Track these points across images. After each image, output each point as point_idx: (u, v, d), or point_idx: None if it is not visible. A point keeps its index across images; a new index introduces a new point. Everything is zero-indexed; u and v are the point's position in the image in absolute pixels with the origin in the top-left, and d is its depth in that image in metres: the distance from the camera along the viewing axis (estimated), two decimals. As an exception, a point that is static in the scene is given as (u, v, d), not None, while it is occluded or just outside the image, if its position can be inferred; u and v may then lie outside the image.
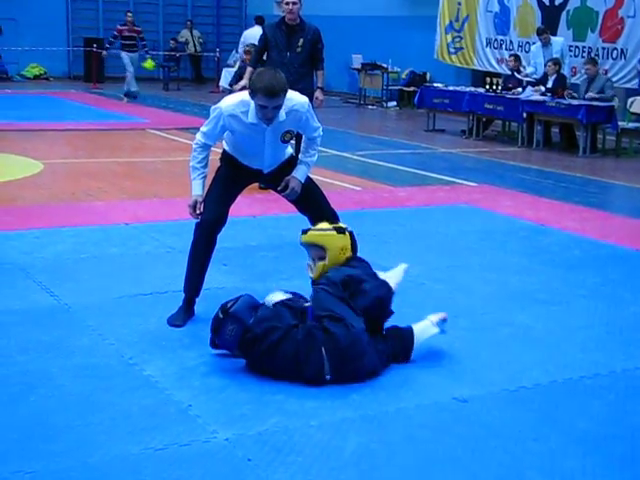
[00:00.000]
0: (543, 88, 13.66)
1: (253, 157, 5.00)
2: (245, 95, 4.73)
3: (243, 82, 9.64)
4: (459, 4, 18.61)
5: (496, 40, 17.85)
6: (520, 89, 14.08)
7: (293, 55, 8.92)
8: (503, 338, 4.86)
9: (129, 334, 4.70)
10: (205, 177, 4.99)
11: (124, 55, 19.21)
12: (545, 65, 14.04)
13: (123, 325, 4.85)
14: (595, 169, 11.80)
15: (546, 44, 14.41)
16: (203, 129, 4.95)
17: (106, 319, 4.94)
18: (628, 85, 14.58)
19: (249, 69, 9.38)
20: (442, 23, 19.10)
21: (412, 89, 19.31)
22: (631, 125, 13.19)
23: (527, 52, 16.17)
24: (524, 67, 15.18)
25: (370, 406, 3.90)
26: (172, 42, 24.30)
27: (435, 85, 16.42)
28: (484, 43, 18.13)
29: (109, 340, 4.62)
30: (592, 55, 14.94)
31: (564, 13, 16.00)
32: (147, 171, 10.41)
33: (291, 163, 5.12)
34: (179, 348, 4.54)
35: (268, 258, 6.38)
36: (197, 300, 5.05)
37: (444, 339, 4.55)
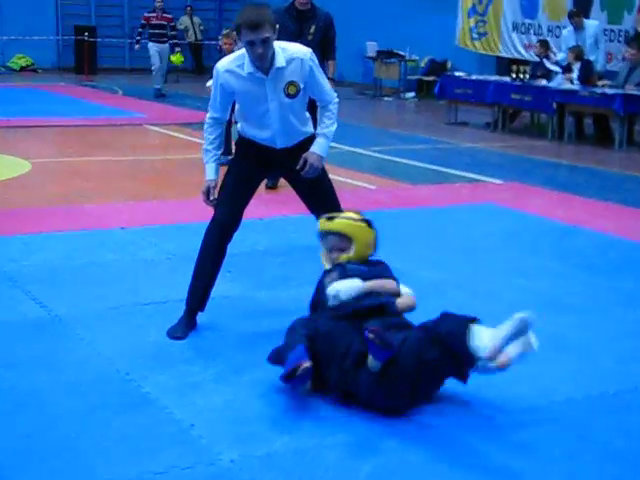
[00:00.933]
0: (575, 75, 13.63)
1: (261, 123, 4.93)
2: (241, 51, 4.81)
3: None
4: (482, -15, 18.65)
5: (523, 24, 17.84)
6: (544, 81, 14.04)
7: (304, 42, 8.80)
8: (532, 349, 4.86)
9: (126, 347, 4.72)
10: (219, 159, 5.04)
11: (151, 46, 18.53)
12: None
13: (119, 338, 4.86)
14: (632, 164, 11.78)
15: (578, 28, 14.35)
16: (210, 103, 5.01)
17: (101, 331, 4.95)
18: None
19: None
20: (464, 6, 19.10)
21: (432, 79, 19.34)
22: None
23: (557, 37, 16.14)
24: (554, 53, 15.14)
25: (388, 423, 3.90)
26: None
27: (457, 74, 16.43)
28: (510, 28, 18.12)
29: (104, 354, 4.63)
30: (629, 38, 14.88)
31: (597, -7, 16.00)
32: (145, 170, 10.44)
33: (309, 142, 5.05)
34: (180, 362, 4.55)
35: (276, 264, 6.39)
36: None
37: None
